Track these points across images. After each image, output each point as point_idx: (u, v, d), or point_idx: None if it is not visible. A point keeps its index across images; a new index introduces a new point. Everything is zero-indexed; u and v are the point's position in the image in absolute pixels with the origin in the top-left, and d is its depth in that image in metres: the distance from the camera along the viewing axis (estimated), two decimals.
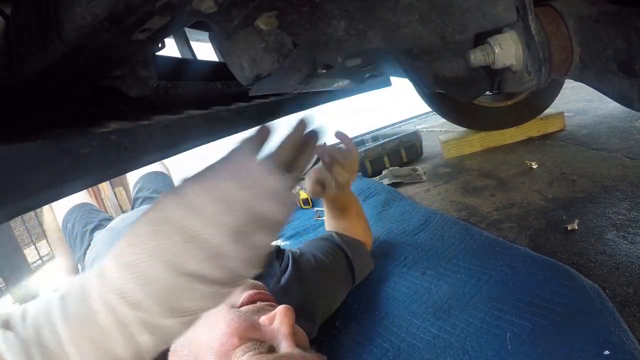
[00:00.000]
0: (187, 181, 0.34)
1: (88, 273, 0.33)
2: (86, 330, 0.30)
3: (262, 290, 0.66)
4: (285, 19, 0.44)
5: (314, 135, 0.44)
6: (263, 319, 0.57)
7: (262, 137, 0.40)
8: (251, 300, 0.62)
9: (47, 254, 1.80)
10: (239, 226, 0.33)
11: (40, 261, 1.81)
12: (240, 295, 0.63)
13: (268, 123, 0.41)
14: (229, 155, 0.36)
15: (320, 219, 1.57)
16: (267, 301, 0.63)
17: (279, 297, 0.73)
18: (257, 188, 0.34)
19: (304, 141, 0.43)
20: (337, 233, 1.00)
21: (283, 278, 0.80)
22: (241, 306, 0.61)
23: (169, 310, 0.31)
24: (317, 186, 0.89)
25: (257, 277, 0.77)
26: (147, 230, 0.32)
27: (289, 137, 0.42)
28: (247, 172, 0.34)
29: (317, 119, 0.45)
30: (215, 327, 0.55)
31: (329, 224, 1.07)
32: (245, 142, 0.38)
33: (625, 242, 0.94)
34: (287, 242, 1.45)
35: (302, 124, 0.43)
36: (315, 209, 1.65)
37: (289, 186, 0.36)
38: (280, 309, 0.56)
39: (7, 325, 0.31)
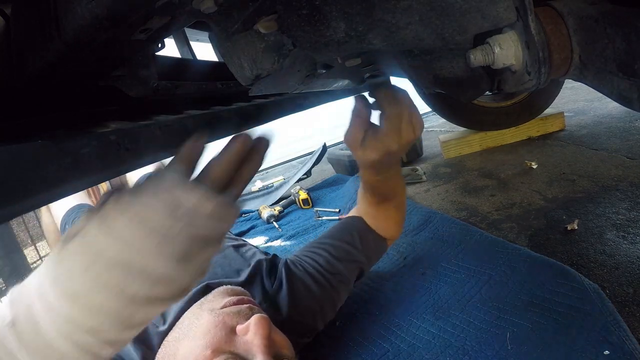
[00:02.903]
0: (112, 208, 0.32)
1: (25, 297, 0.32)
2: (49, 357, 0.31)
3: (243, 296, 0.65)
4: (285, 21, 0.44)
5: (262, 141, 0.41)
6: (240, 328, 0.56)
7: (190, 158, 0.37)
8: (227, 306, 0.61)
9: (47, 255, 1.80)
10: (181, 252, 0.33)
11: (40, 261, 1.81)
12: (222, 300, 0.62)
13: (195, 139, 0.38)
14: (157, 182, 0.34)
15: (320, 219, 1.57)
16: (250, 305, 0.63)
17: (267, 311, 0.69)
18: (192, 216, 0.33)
19: (248, 152, 0.40)
20: (359, 232, 0.85)
21: (279, 297, 0.76)
22: (222, 308, 0.60)
23: (125, 327, 0.32)
24: (358, 134, 0.62)
25: (242, 284, 0.76)
26: (81, 264, 0.31)
27: (223, 153, 0.39)
28: (178, 202, 0.33)
29: (260, 131, 0.42)
30: (193, 338, 0.55)
31: (360, 204, 0.88)
32: (172, 167, 0.35)
33: (625, 242, 0.94)
34: (288, 243, 1.45)
35: (240, 137, 0.40)
36: (315, 209, 1.65)
37: (227, 204, 0.35)
38: (254, 319, 0.55)
39: None
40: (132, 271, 0.31)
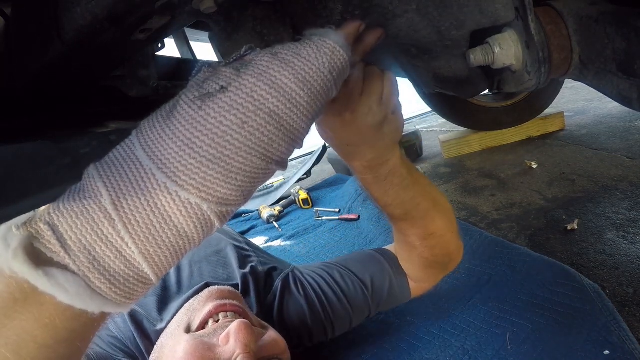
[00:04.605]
0: (269, 61, 0.30)
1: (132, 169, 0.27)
2: (157, 234, 0.26)
3: (227, 301, 0.61)
4: None
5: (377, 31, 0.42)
6: (221, 338, 0.54)
7: (351, 33, 0.37)
8: (205, 322, 0.59)
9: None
10: (317, 112, 0.32)
11: None
12: (202, 310, 0.60)
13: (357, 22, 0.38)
14: (319, 44, 0.32)
15: (320, 219, 1.57)
16: (233, 311, 0.60)
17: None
18: (342, 79, 0.34)
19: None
20: (377, 271, 0.73)
21: (271, 310, 0.73)
22: (197, 330, 0.58)
23: (246, 196, 0.30)
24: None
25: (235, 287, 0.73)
26: (235, 120, 0.27)
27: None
28: (343, 70, 0.33)
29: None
30: (173, 354, 0.54)
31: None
32: (336, 35, 0.34)
33: (625, 242, 0.94)
34: (287, 243, 1.45)
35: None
36: (315, 209, 1.65)
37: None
38: (233, 326, 0.53)
39: None
40: (279, 127, 0.29)
